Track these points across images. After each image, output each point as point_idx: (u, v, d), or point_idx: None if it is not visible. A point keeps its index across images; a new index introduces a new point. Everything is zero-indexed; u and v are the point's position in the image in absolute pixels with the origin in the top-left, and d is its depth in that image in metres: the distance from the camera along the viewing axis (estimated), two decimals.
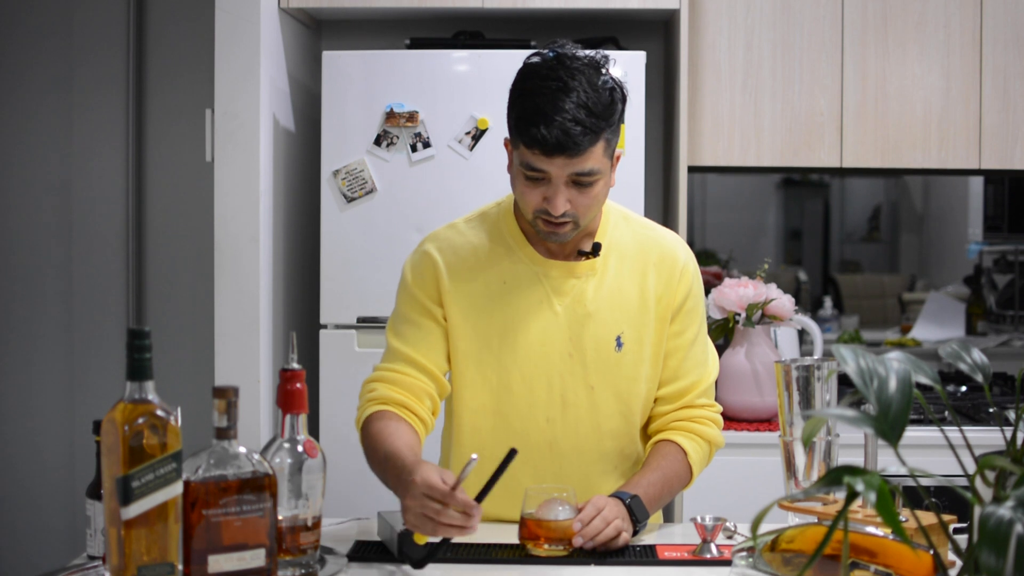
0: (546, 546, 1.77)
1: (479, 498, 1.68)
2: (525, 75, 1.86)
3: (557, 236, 1.90)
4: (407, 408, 1.93)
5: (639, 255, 1.99)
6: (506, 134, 1.92)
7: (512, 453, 1.70)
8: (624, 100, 1.89)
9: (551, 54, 1.85)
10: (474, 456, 1.66)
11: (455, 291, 1.96)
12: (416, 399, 1.94)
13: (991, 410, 3.10)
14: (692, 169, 3.25)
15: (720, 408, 2.06)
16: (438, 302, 1.97)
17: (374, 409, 1.93)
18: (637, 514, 1.84)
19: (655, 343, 1.98)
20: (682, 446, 1.97)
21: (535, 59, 1.87)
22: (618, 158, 1.93)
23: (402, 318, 1.99)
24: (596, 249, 1.96)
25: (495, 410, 1.97)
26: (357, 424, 1.97)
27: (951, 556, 1.65)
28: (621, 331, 1.96)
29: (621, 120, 1.88)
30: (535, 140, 1.80)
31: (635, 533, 1.85)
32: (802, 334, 3.35)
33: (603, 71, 1.85)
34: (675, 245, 2.03)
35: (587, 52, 1.87)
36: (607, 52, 1.90)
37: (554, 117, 1.79)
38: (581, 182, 1.84)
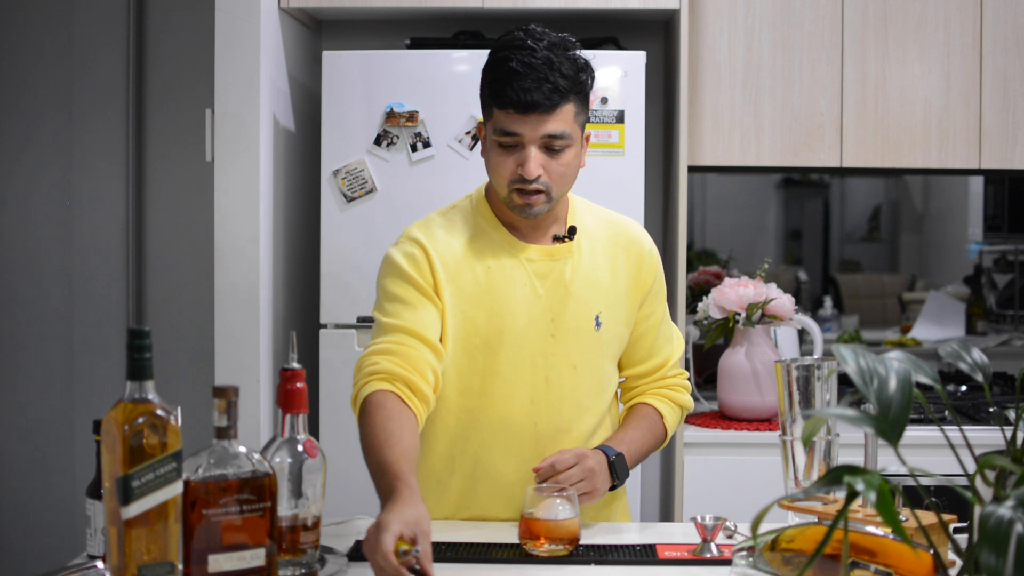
0: (546, 546, 1.77)
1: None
2: (497, 48, 1.95)
3: (531, 209, 1.94)
4: (410, 386, 1.86)
5: (608, 240, 2.07)
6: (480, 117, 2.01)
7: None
8: (592, 78, 1.97)
9: (520, 31, 1.94)
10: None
11: (445, 277, 1.98)
12: (419, 374, 1.88)
13: (991, 410, 3.10)
14: (692, 169, 3.24)
15: (688, 374, 2.19)
16: (435, 288, 1.97)
17: (376, 387, 1.84)
18: (619, 472, 1.95)
19: (625, 323, 2.07)
20: (659, 409, 2.10)
21: (506, 36, 1.96)
22: (588, 138, 2.02)
23: (393, 298, 1.95)
24: (572, 232, 2.03)
25: (480, 391, 2.00)
26: (354, 402, 1.89)
27: (951, 556, 1.65)
28: (599, 311, 2.03)
29: (588, 96, 1.97)
30: (510, 100, 1.88)
31: (613, 488, 1.96)
32: (802, 334, 3.35)
33: (570, 49, 1.94)
34: (640, 232, 2.12)
35: (555, 34, 1.96)
36: (574, 39, 1.97)
37: (527, 76, 1.87)
38: (553, 146, 1.91)
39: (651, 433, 2.07)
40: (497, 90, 1.90)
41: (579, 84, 1.92)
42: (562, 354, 2.00)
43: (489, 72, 1.94)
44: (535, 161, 1.90)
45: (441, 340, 1.95)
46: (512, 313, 1.99)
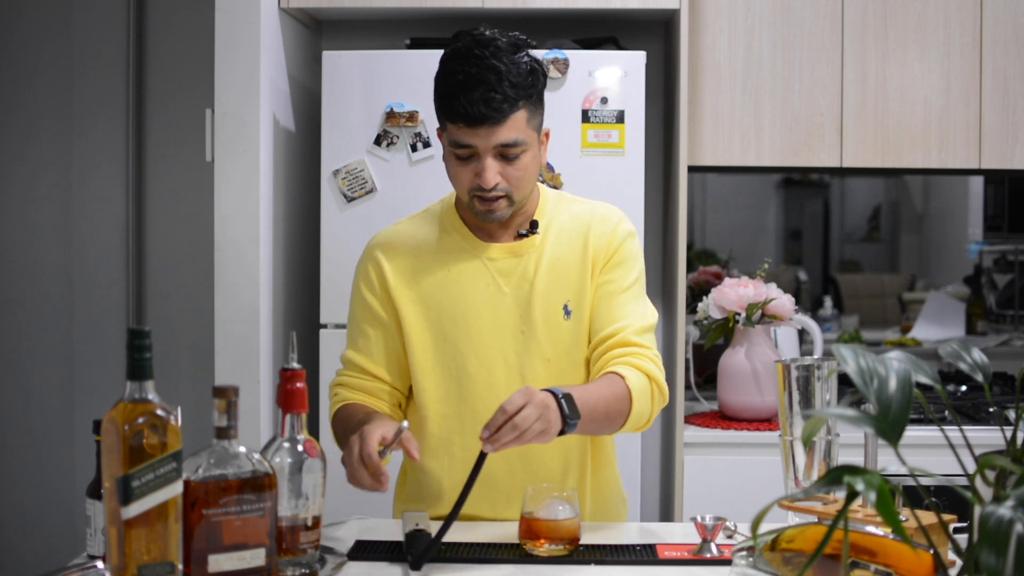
0: (546, 546, 1.77)
1: (459, 500, 1.72)
2: (446, 59, 1.96)
3: (493, 214, 1.97)
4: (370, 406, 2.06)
5: (578, 224, 2.05)
6: (438, 125, 2.01)
7: (483, 456, 1.74)
8: (544, 78, 1.97)
9: (470, 37, 1.94)
10: (404, 423, 1.76)
11: (403, 288, 2.04)
12: (377, 399, 2.07)
13: (991, 410, 3.10)
14: (692, 169, 3.24)
15: (659, 356, 2.00)
16: (388, 304, 2.05)
17: (341, 404, 2.07)
18: (568, 410, 1.77)
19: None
20: (619, 372, 1.93)
21: (455, 44, 1.95)
22: (547, 135, 2.02)
23: (355, 325, 2.09)
24: (534, 226, 2.04)
25: (458, 396, 2.02)
26: (330, 422, 2.10)
27: (951, 556, 1.65)
28: (567, 300, 2.01)
29: (541, 97, 1.98)
30: (458, 114, 1.90)
31: (563, 432, 1.77)
32: (802, 334, 3.35)
33: (522, 51, 1.94)
34: (611, 210, 2.09)
35: (507, 35, 1.95)
36: (525, 37, 1.97)
37: (474, 89, 1.88)
38: (507, 154, 1.92)
39: (609, 389, 1.90)
40: (445, 104, 1.93)
41: (528, 90, 1.92)
42: (535, 350, 2.00)
43: (438, 84, 1.96)
44: (491, 170, 1.92)
45: (404, 348, 2.06)
46: (477, 316, 2.01)
